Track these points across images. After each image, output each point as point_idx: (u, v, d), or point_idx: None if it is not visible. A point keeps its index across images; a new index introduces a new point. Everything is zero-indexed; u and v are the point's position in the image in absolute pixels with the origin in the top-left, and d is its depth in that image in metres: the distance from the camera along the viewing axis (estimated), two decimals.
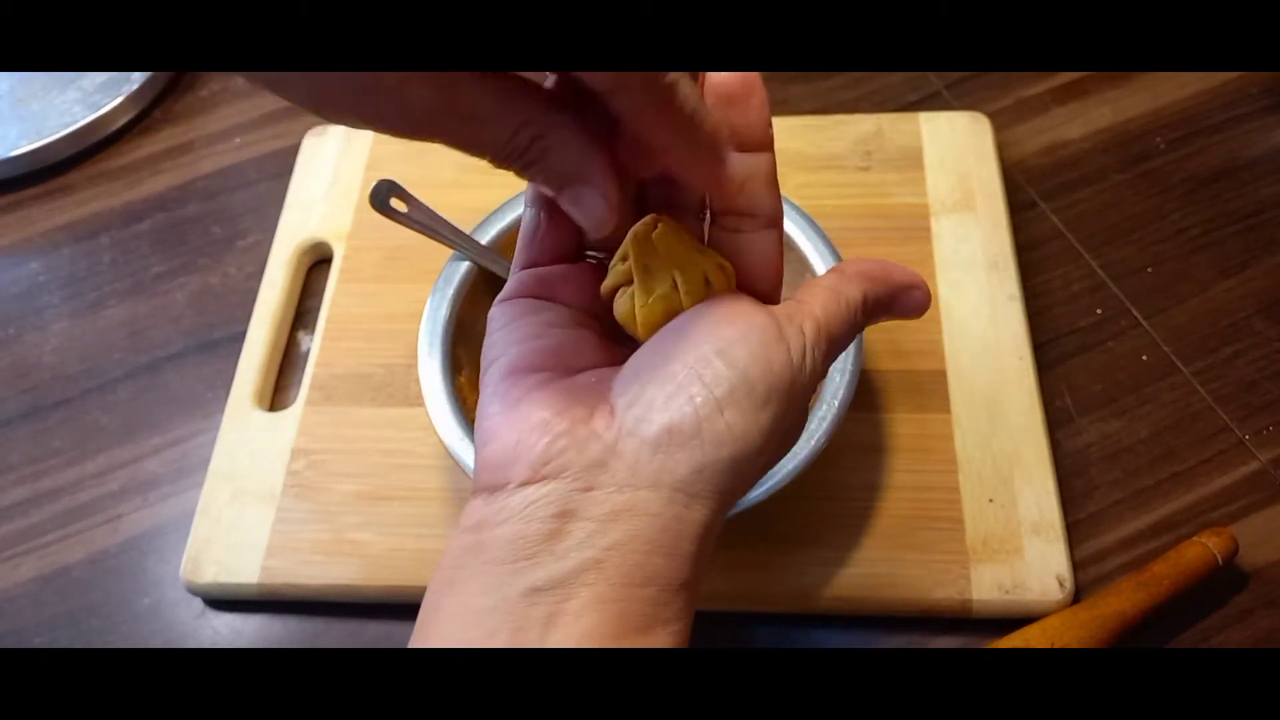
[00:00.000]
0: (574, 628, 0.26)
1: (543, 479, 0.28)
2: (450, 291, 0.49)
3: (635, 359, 0.30)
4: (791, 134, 0.61)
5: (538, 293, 0.32)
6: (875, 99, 0.64)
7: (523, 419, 0.29)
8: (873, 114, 0.61)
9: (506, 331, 0.31)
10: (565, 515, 0.27)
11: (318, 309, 0.57)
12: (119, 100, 0.67)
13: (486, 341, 0.32)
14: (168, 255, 0.62)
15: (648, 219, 0.31)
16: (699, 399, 0.28)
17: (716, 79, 0.30)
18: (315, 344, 0.56)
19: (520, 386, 0.30)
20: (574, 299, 0.33)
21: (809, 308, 0.31)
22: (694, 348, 0.29)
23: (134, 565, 0.51)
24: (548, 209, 0.32)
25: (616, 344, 0.33)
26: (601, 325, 0.33)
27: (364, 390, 0.54)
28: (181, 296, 0.60)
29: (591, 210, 0.29)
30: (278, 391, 0.56)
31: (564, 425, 0.28)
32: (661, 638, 0.27)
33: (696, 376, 0.28)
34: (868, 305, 0.32)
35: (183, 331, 0.59)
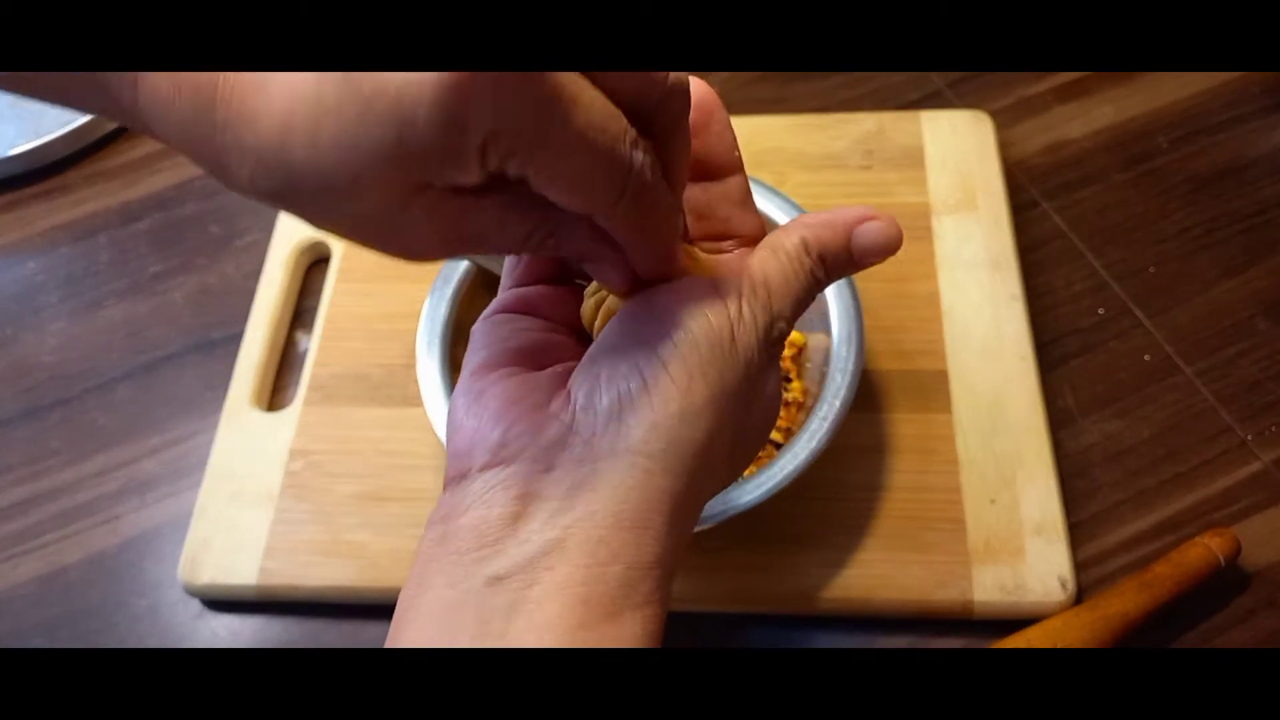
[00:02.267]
0: (536, 615, 0.26)
1: (502, 462, 0.28)
2: (449, 291, 0.49)
3: (591, 349, 0.30)
4: (792, 133, 0.60)
5: (520, 309, 0.33)
6: (876, 98, 0.64)
7: (483, 409, 0.29)
8: (874, 113, 0.61)
9: (480, 338, 0.32)
10: (526, 497, 0.27)
11: (316, 309, 0.57)
12: None
13: (466, 353, 0.32)
14: (166, 255, 0.62)
15: None
16: (643, 363, 0.28)
17: (677, 94, 0.30)
18: (313, 344, 0.56)
19: (485, 379, 0.30)
20: (556, 316, 0.33)
21: (744, 265, 0.31)
22: (640, 324, 0.29)
23: (132, 566, 0.51)
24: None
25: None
26: (578, 339, 0.33)
27: (362, 390, 0.54)
28: (179, 296, 0.60)
29: (611, 280, 0.30)
30: (276, 391, 0.56)
31: (522, 410, 0.29)
32: (631, 623, 0.27)
33: (641, 343, 0.29)
34: (811, 249, 0.31)
35: (181, 331, 0.59)
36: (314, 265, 0.60)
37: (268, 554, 0.49)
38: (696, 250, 0.32)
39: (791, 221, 0.32)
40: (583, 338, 0.33)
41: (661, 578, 0.28)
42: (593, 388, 0.28)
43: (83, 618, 0.50)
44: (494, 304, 0.33)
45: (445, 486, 0.30)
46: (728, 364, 0.29)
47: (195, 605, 0.50)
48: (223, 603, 0.50)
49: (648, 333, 0.29)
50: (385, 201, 0.24)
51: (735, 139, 0.32)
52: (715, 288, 0.30)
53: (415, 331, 0.48)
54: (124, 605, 0.50)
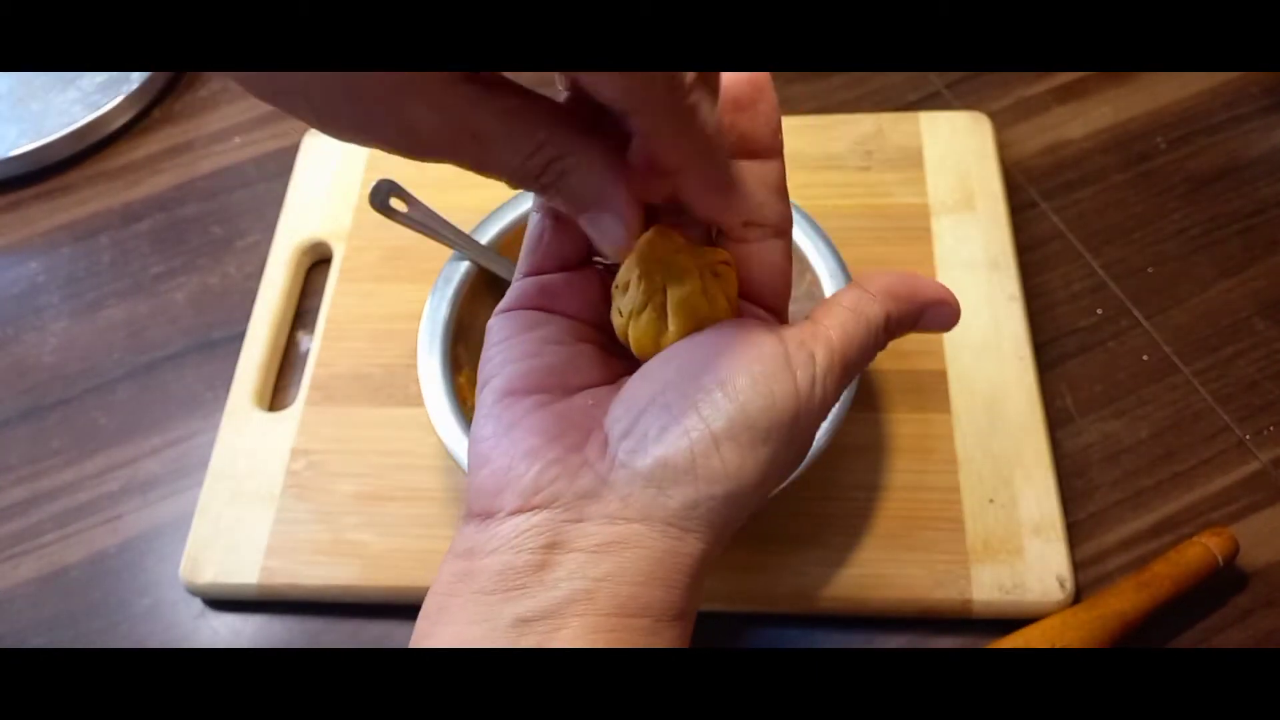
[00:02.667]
0: None
1: (533, 508, 0.27)
2: (450, 291, 0.49)
3: (633, 384, 0.29)
4: (791, 133, 0.60)
5: (539, 303, 0.31)
6: (875, 98, 0.64)
7: (515, 445, 0.28)
8: (873, 113, 0.61)
9: (503, 348, 0.30)
10: (554, 546, 0.27)
11: (317, 309, 0.57)
12: (118, 100, 0.67)
13: (483, 355, 0.31)
14: (167, 255, 0.62)
15: (648, 234, 0.30)
16: (694, 433, 0.27)
17: (726, 81, 0.29)
18: (315, 344, 0.56)
19: (515, 410, 0.29)
20: (577, 309, 0.32)
21: (824, 331, 0.29)
22: (693, 377, 0.28)
23: (133, 565, 0.51)
24: (554, 216, 0.31)
25: (617, 358, 0.32)
26: (603, 337, 0.32)
27: (364, 390, 0.54)
28: (181, 296, 0.60)
29: (610, 236, 0.28)
30: (277, 391, 0.56)
31: (556, 453, 0.28)
32: None
33: (694, 408, 0.27)
34: (890, 324, 0.30)
35: (182, 331, 0.59)
36: (315, 266, 0.60)
37: (269, 553, 0.49)
38: (731, 259, 0.30)
39: (873, 281, 0.31)
40: (607, 332, 0.32)
41: (683, 628, 0.28)
42: (635, 447, 0.27)
43: (84, 617, 0.50)
44: (511, 294, 0.32)
45: (467, 519, 0.29)
46: (785, 443, 0.28)
47: (196, 605, 0.50)
48: (224, 602, 0.50)
49: (703, 389, 0.27)
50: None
51: (780, 123, 0.31)
52: (786, 351, 0.28)
53: (416, 331, 0.48)
54: (125, 605, 0.50)
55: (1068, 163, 0.60)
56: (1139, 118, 0.62)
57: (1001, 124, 0.61)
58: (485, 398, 0.30)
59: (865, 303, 0.30)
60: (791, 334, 0.29)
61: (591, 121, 0.26)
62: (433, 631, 0.27)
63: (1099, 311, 0.55)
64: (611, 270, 0.32)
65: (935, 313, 0.31)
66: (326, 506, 0.50)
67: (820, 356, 0.28)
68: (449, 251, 0.50)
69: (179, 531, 0.51)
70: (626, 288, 0.30)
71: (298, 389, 0.54)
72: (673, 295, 0.29)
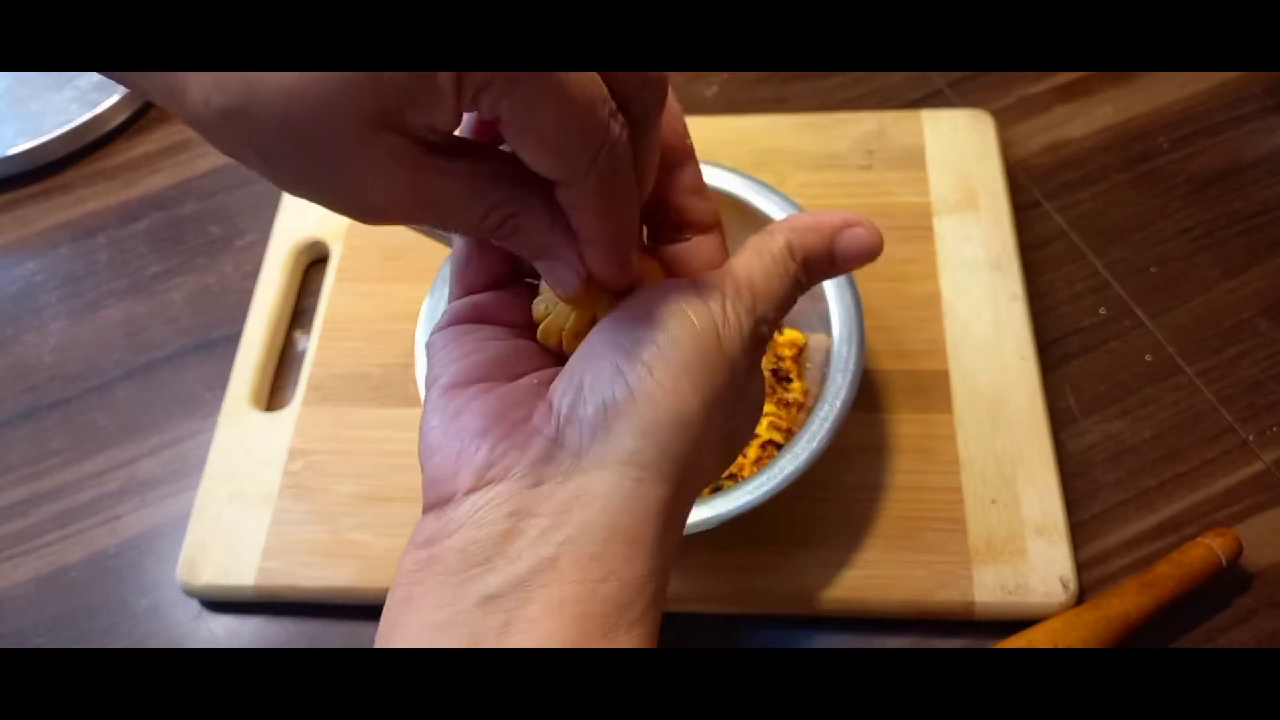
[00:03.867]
0: (530, 635, 0.25)
1: (489, 482, 0.27)
2: (448, 291, 0.49)
3: (572, 359, 0.30)
4: (793, 132, 0.60)
5: (476, 319, 0.32)
6: (877, 97, 0.64)
7: (463, 429, 0.28)
8: (874, 112, 0.61)
9: (444, 353, 0.31)
10: (517, 514, 0.27)
11: (315, 309, 0.57)
12: (116, 99, 0.66)
13: (427, 366, 0.31)
14: (165, 255, 0.62)
15: None
16: (626, 368, 0.28)
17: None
18: (312, 344, 0.55)
19: (459, 399, 0.29)
20: (513, 321, 0.32)
21: (727, 267, 0.31)
22: (622, 332, 0.29)
23: (132, 566, 0.51)
24: (477, 240, 0.32)
25: (556, 352, 0.32)
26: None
27: (361, 390, 0.54)
28: (179, 296, 0.60)
29: (563, 281, 0.29)
30: (275, 392, 0.56)
31: (504, 429, 0.28)
32: (627, 640, 0.26)
33: (623, 350, 0.28)
34: (795, 252, 0.31)
35: (180, 331, 0.59)
36: (313, 265, 0.60)
37: (267, 554, 0.49)
38: (656, 264, 0.32)
39: (775, 224, 0.32)
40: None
41: (654, 593, 0.28)
42: (576, 398, 0.28)
43: (83, 618, 0.50)
44: (446, 315, 0.32)
45: (425, 511, 0.29)
46: (714, 365, 0.28)
47: (194, 605, 0.50)
48: (222, 603, 0.50)
49: (629, 337, 0.28)
50: (351, 132, 0.23)
51: (685, 127, 0.32)
52: (698, 288, 0.29)
53: (414, 331, 0.48)
54: (124, 605, 0.50)
55: (1070, 162, 0.60)
56: (1141, 117, 0.62)
57: (1003, 123, 0.61)
58: (430, 395, 0.30)
59: (763, 238, 0.31)
60: (698, 280, 0.30)
61: (536, 178, 0.27)
62: (398, 621, 0.27)
63: (1102, 311, 0.54)
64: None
65: (847, 238, 0.32)
66: (324, 507, 0.50)
67: (727, 286, 0.30)
68: (447, 251, 0.50)
69: (177, 532, 0.51)
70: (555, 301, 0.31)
71: (295, 389, 0.54)
72: (609, 304, 0.30)
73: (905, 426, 0.50)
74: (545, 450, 0.27)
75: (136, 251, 0.62)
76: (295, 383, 0.55)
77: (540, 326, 0.31)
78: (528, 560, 0.26)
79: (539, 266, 0.30)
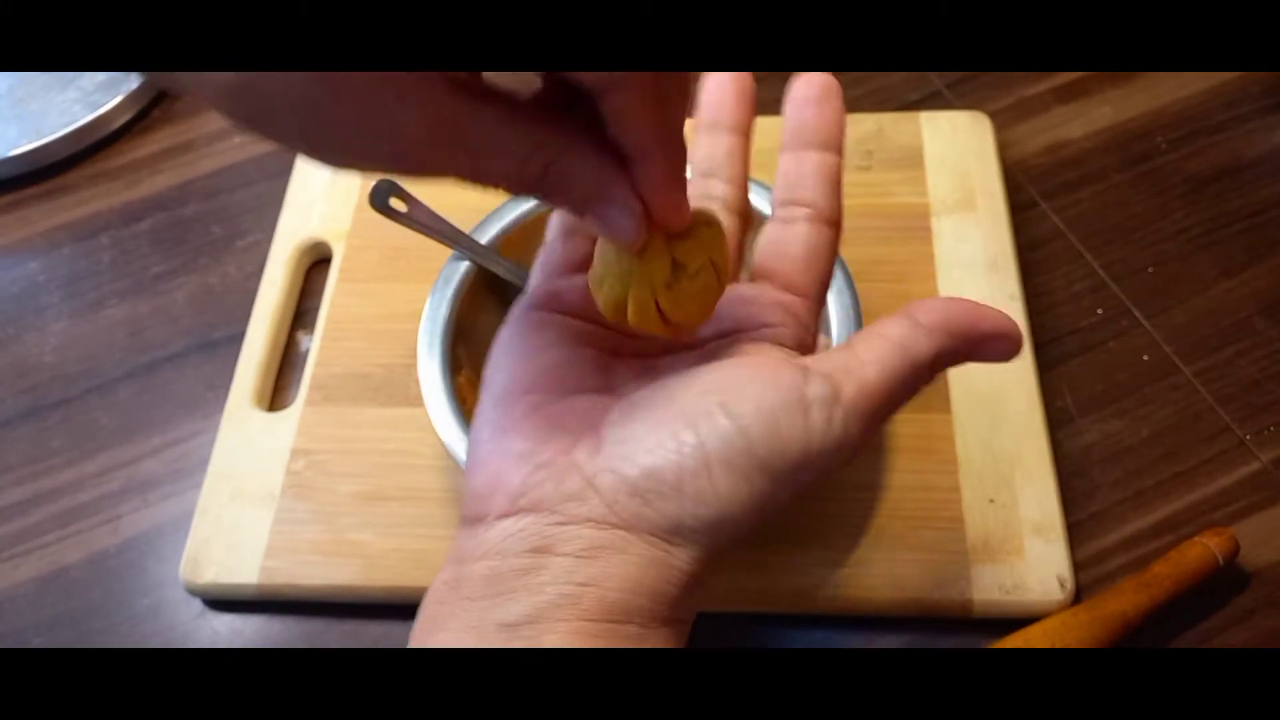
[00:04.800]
0: None
1: (520, 511, 0.27)
2: (450, 291, 0.49)
3: (640, 395, 0.28)
4: None
5: (548, 303, 0.31)
6: (876, 98, 0.64)
7: (506, 449, 0.28)
8: (873, 113, 0.61)
9: (505, 350, 0.30)
10: (540, 550, 0.26)
11: (317, 309, 0.57)
12: (118, 100, 0.67)
13: (489, 363, 0.31)
14: (167, 255, 0.62)
15: None
16: (687, 449, 0.26)
17: (802, 78, 0.31)
18: (315, 344, 0.56)
19: (510, 414, 0.29)
20: (584, 307, 0.31)
21: (859, 368, 0.27)
22: (699, 395, 0.27)
23: (133, 565, 0.51)
24: (565, 232, 0.32)
25: (618, 366, 0.31)
26: (607, 343, 0.32)
27: (364, 390, 0.54)
28: (181, 296, 0.60)
29: (621, 227, 0.27)
30: (277, 391, 0.56)
31: (545, 456, 0.27)
32: None
33: (690, 424, 0.26)
34: (940, 362, 0.28)
35: (182, 331, 0.59)
36: (315, 266, 0.60)
37: (269, 553, 0.49)
38: (719, 225, 0.30)
39: (927, 314, 0.28)
40: (610, 336, 0.32)
41: (677, 634, 0.27)
42: (626, 453, 0.27)
43: (84, 617, 0.50)
44: (524, 299, 0.32)
45: (461, 524, 0.29)
46: (785, 478, 0.26)
47: (196, 605, 0.50)
48: (224, 602, 0.50)
49: (705, 408, 0.26)
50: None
51: (844, 124, 0.32)
52: (804, 385, 0.26)
53: (416, 331, 0.48)
54: (125, 605, 0.50)
55: (1068, 162, 0.60)
56: (1139, 117, 0.62)
57: (1002, 124, 0.61)
58: (484, 401, 0.30)
59: (915, 339, 0.28)
60: (819, 365, 0.27)
61: (583, 120, 0.26)
62: (425, 640, 0.27)
63: (1099, 311, 0.55)
64: None
65: (994, 347, 0.29)
66: (326, 506, 0.50)
67: (847, 394, 0.27)
68: (449, 251, 0.50)
69: (179, 531, 0.51)
70: (617, 261, 0.29)
71: (297, 389, 0.54)
72: (675, 275, 0.29)
73: (903, 426, 0.50)
74: (579, 490, 0.27)
75: (139, 252, 0.62)
76: (298, 383, 0.55)
77: (600, 300, 0.30)
78: (550, 594, 0.26)
79: (593, 221, 0.27)
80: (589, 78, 0.24)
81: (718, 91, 0.35)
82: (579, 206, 0.27)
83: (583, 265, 0.32)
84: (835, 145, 0.32)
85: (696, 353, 0.31)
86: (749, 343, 0.30)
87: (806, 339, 0.32)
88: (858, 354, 0.28)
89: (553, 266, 0.32)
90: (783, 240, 0.32)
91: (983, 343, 0.29)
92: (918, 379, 0.28)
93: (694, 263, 0.29)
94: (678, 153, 0.27)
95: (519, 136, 0.25)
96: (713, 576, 0.28)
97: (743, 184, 0.34)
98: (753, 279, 0.33)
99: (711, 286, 0.30)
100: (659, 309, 0.29)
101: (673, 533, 0.26)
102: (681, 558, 0.27)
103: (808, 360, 0.28)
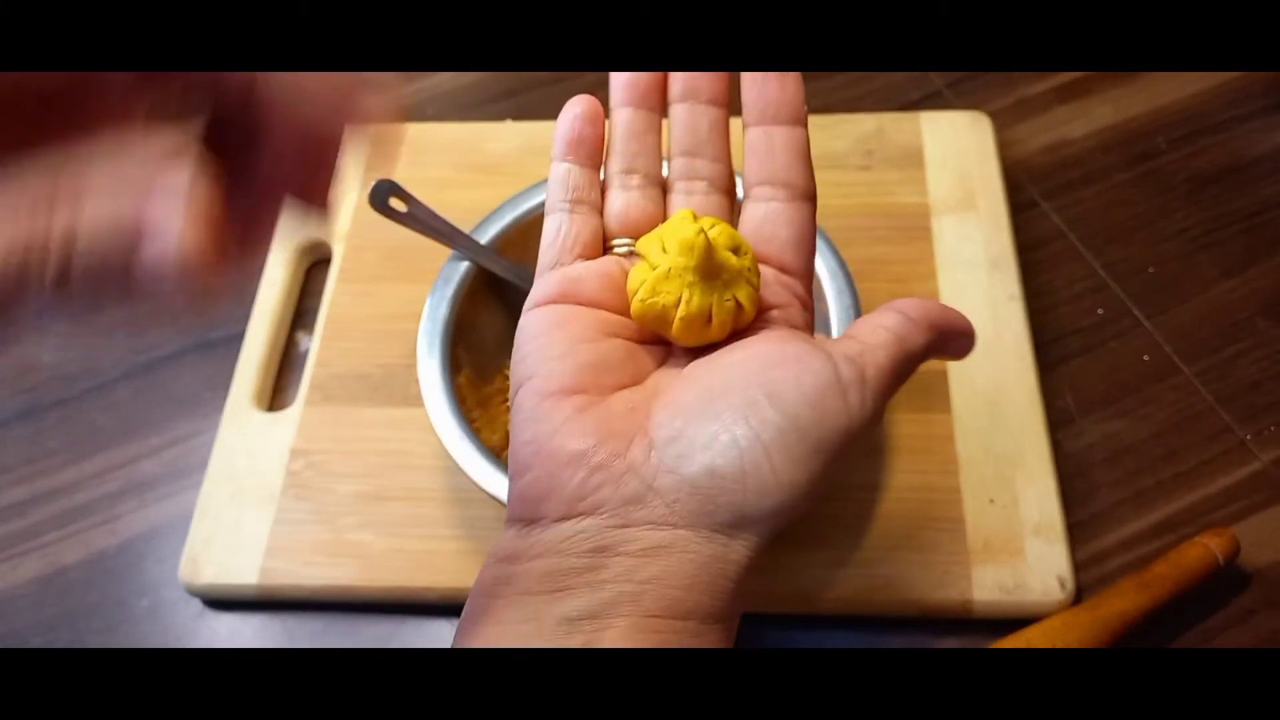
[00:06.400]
0: None
1: (579, 514, 0.27)
2: (450, 291, 0.49)
3: (678, 389, 0.29)
4: None
5: (565, 294, 0.31)
6: (876, 98, 0.64)
7: (557, 450, 0.28)
8: (874, 113, 0.61)
9: (536, 346, 0.30)
10: (601, 550, 0.27)
11: (317, 309, 0.57)
12: None
13: (516, 355, 0.31)
14: None
15: (689, 221, 0.31)
16: (744, 443, 0.27)
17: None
18: (314, 344, 0.56)
19: (555, 414, 0.29)
20: (602, 298, 0.32)
21: (874, 353, 0.30)
22: (742, 388, 0.28)
23: (132, 566, 0.51)
24: (570, 210, 0.32)
25: (644, 353, 0.32)
26: (628, 329, 0.32)
27: (363, 390, 0.54)
28: (180, 296, 0.60)
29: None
30: (277, 392, 0.56)
31: (600, 459, 0.28)
32: None
33: (743, 418, 0.27)
34: (926, 353, 0.31)
35: (181, 331, 0.59)
36: (314, 266, 0.60)
37: (268, 554, 0.49)
38: (757, 278, 0.31)
39: (915, 309, 0.31)
40: (631, 325, 0.32)
41: (726, 631, 0.28)
42: (683, 451, 0.27)
43: (83, 618, 0.50)
44: (538, 290, 0.32)
45: (509, 524, 0.29)
46: (834, 455, 0.28)
47: (196, 605, 0.50)
48: (223, 602, 0.50)
49: (753, 400, 0.27)
50: None
51: (803, 97, 0.33)
52: (836, 367, 0.28)
53: (416, 331, 0.48)
54: (124, 605, 0.50)
55: (1069, 162, 0.60)
56: (1140, 117, 0.62)
57: (1002, 123, 0.61)
58: (523, 400, 0.30)
59: (909, 331, 0.31)
60: (838, 352, 0.29)
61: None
62: (477, 631, 0.27)
63: (1100, 311, 0.55)
64: (629, 256, 0.33)
65: (960, 344, 0.32)
66: (326, 506, 0.50)
67: (871, 376, 0.29)
68: (449, 251, 0.50)
69: (178, 532, 0.51)
70: (669, 274, 0.30)
71: (297, 389, 0.54)
72: (720, 296, 0.30)
73: (904, 426, 0.50)
74: (638, 492, 0.27)
75: None
76: (297, 383, 0.55)
77: (637, 301, 0.31)
78: (611, 591, 0.26)
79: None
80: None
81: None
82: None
83: (589, 249, 0.33)
84: (801, 118, 0.33)
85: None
86: (766, 326, 0.32)
87: (809, 317, 0.33)
88: (868, 342, 0.30)
89: (559, 253, 0.32)
90: (769, 223, 0.33)
91: (954, 338, 0.32)
92: (911, 366, 0.30)
93: (740, 288, 0.31)
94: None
95: None
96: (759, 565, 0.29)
97: (727, 159, 0.35)
98: None
99: (744, 308, 0.31)
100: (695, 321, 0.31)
101: (736, 526, 0.27)
102: (739, 550, 0.27)
103: (825, 343, 0.30)
